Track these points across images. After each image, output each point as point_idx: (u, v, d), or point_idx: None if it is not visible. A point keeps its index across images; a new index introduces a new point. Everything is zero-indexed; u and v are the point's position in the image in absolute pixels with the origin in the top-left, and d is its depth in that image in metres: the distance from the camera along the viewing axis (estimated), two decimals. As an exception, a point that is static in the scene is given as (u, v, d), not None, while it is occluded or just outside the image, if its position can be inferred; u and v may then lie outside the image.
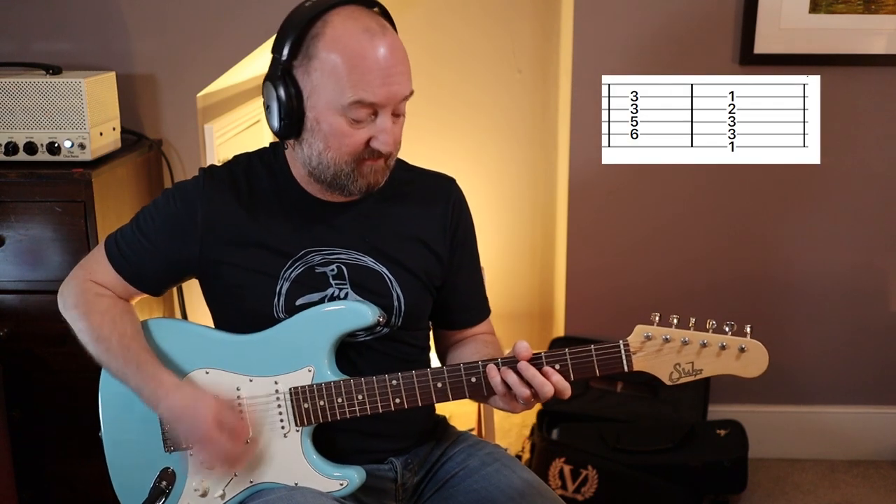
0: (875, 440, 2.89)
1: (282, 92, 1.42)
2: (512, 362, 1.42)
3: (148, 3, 2.38)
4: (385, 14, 1.47)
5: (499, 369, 1.42)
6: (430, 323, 1.69)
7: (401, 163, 1.62)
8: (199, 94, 2.43)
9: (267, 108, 1.46)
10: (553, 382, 1.40)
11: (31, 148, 2.07)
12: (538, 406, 2.78)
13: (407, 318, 1.56)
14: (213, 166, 1.58)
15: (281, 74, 1.42)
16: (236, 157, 1.60)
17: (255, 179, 1.55)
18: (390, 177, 1.52)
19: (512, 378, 1.40)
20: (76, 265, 1.61)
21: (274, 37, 1.45)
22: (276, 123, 1.45)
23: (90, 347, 1.53)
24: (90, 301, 1.54)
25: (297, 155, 1.49)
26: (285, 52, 1.42)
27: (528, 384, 1.40)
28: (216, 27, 2.39)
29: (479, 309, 1.70)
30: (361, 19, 1.41)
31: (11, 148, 2.08)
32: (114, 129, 2.24)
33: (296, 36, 1.41)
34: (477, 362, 1.44)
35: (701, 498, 2.56)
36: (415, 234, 1.58)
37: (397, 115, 1.45)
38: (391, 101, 1.42)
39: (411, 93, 1.45)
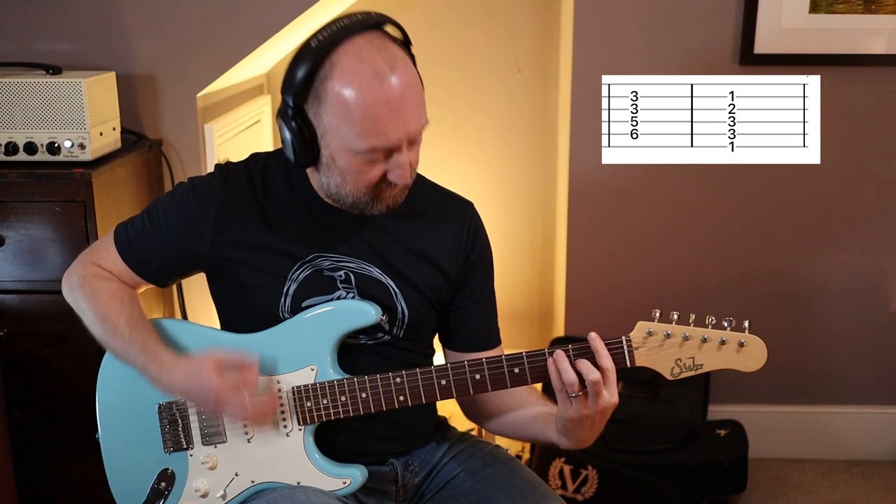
0: (875, 440, 2.89)
1: (295, 130, 1.41)
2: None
3: (148, 3, 2.38)
4: (394, 30, 1.43)
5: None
6: (441, 344, 1.68)
7: (421, 179, 1.61)
8: (199, 94, 2.43)
9: (283, 141, 1.45)
10: (603, 368, 1.39)
11: (31, 148, 2.07)
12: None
13: (408, 330, 1.56)
14: (229, 164, 1.58)
15: (293, 115, 1.41)
16: (253, 156, 1.59)
17: (271, 180, 1.54)
18: (409, 193, 1.52)
19: (564, 365, 1.40)
20: (83, 251, 1.61)
21: (283, 76, 1.43)
22: (292, 157, 1.45)
23: (95, 328, 1.52)
24: (97, 283, 1.54)
25: (315, 178, 1.50)
26: (295, 91, 1.40)
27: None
28: (216, 27, 2.39)
29: (486, 336, 1.66)
30: (370, 59, 1.37)
31: (11, 148, 2.07)
32: (114, 129, 2.23)
33: (304, 77, 1.38)
34: (481, 359, 1.44)
35: (701, 498, 2.56)
36: (425, 252, 1.57)
37: (413, 143, 1.44)
38: (405, 140, 1.41)
39: (426, 124, 1.44)
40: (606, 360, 1.39)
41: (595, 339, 1.40)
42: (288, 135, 1.43)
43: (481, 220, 1.65)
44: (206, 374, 1.41)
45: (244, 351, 1.46)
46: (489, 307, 1.67)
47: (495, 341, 1.67)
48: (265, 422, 1.48)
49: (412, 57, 1.45)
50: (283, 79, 1.42)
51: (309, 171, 1.52)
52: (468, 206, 1.64)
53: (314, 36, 1.40)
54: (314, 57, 1.38)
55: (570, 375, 1.38)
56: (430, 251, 1.57)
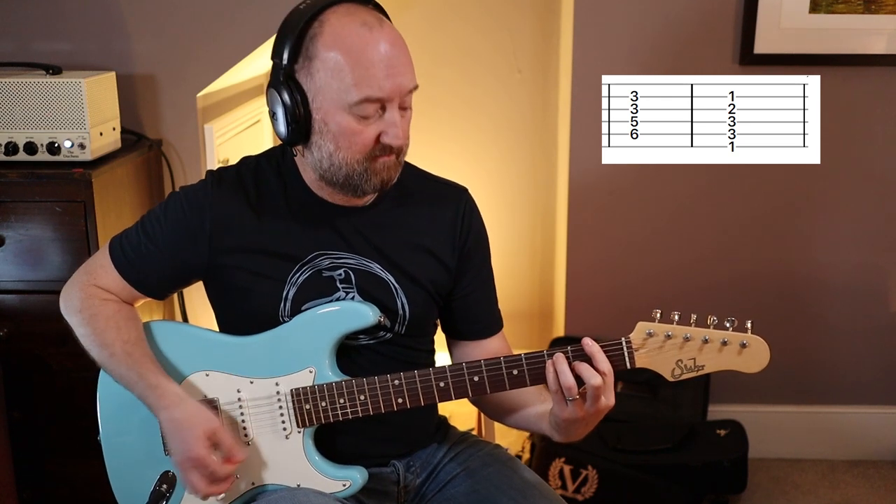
0: (875, 440, 2.89)
1: (286, 97, 1.40)
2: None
3: (148, 3, 2.38)
4: (379, 9, 1.45)
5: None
6: (444, 333, 1.68)
7: (413, 169, 1.61)
8: (199, 94, 2.43)
9: (273, 115, 1.44)
10: (600, 371, 1.38)
11: (31, 148, 2.07)
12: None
13: (410, 326, 1.55)
14: (221, 170, 1.57)
15: (283, 79, 1.41)
16: (244, 160, 1.58)
17: (264, 183, 1.54)
18: (402, 183, 1.51)
19: (562, 367, 1.39)
20: (79, 268, 1.60)
21: (273, 43, 1.43)
22: (283, 130, 1.43)
23: (93, 352, 1.52)
24: (95, 306, 1.53)
25: (308, 160, 1.48)
26: (285, 56, 1.40)
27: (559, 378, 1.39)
28: (216, 27, 2.39)
29: (486, 322, 1.66)
30: (358, 14, 1.40)
31: (11, 148, 2.07)
32: (114, 129, 2.23)
33: (294, 39, 1.40)
34: (479, 361, 1.44)
35: (701, 498, 2.56)
36: (423, 244, 1.56)
37: (404, 108, 1.43)
38: (398, 94, 1.40)
39: (416, 86, 1.44)
40: (604, 364, 1.38)
41: (590, 345, 1.38)
42: (279, 108, 1.42)
43: (476, 206, 1.64)
44: (197, 436, 1.41)
45: (241, 449, 1.46)
46: (489, 293, 1.67)
47: (497, 326, 1.67)
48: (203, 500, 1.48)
49: None
50: (273, 48, 1.43)
51: (299, 160, 1.51)
52: (462, 192, 1.63)
53: (299, 4, 1.42)
54: (302, 20, 1.39)
55: (569, 380, 1.38)
56: (427, 242, 1.57)
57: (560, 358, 1.39)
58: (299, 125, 1.42)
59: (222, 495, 1.49)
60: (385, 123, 1.41)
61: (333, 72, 1.38)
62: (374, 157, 1.43)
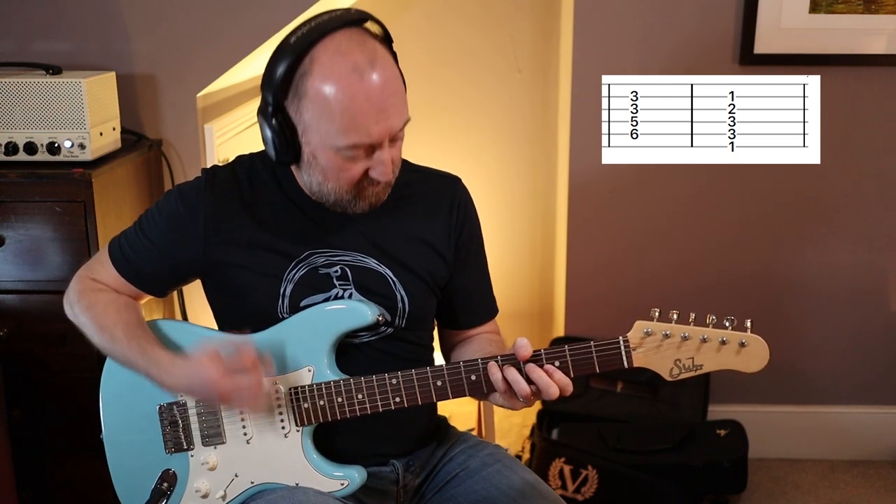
0: (875, 440, 2.89)
1: (277, 127, 1.41)
2: (512, 360, 1.41)
3: (148, 3, 2.38)
4: (377, 25, 1.43)
5: (500, 366, 1.41)
6: (437, 322, 1.69)
7: (406, 164, 1.61)
8: (199, 94, 2.43)
9: (264, 140, 1.45)
10: (555, 380, 1.39)
11: (31, 148, 2.07)
12: (538, 406, 2.79)
13: (410, 319, 1.55)
14: (215, 167, 1.58)
15: (273, 111, 1.41)
16: (239, 158, 1.59)
17: (258, 181, 1.54)
18: (396, 180, 1.51)
19: (513, 375, 1.39)
20: (80, 268, 1.61)
21: (263, 72, 1.42)
22: (273, 155, 1.45)
23: (95, 338, 1.53)
24: (93, 295, 1.55)
25: (299, 177, 1.50)
26: (276, 89, 1.39)
27: (529, 381, 1.40)
28: (216, 27, 2.39)
29: (484, 310, 1.68)
30: (349, 54, 1.36)
31: (11, 148, 2.08)
32: (114, 129, 2.23)
33: (284, 73, 1.38)
34: (477, 360, 1.43)
35: (701, 498, 2.56)
36: (419, 236, 1.57)
37: (394, 140, 1.43)
38: (387, 136, 1.40)
39: (408, 120, 1.43)
40: (553, 388, 1.38)
41: (533, 370, 1.39)
42: (269, 133, 1.42)
43: (469, 195, 1.65)
44: (203, 367, 1.40)
45: (236, 338, 1.45)
46: (483, 281, 1.68)
47: (492, 313, 1.69)
48: (259, 403, 1.46)
49: (394, 54, 1.44)
50: (263, 75, 1.42)
51: (293, 167, 1.52)
52: (456, 182, 1.64)
53: (293, 32, 1.40)
54: (293, 53, 1.38)
55: (524, 389, 1.39)
56: (424, 234, 1.57)
57: (510, 370, 1.40)
58: (289, 154, 1.44)
59: (222, 492, 1.50)
60: (373, 161, 1.42)
61: (322, 115, 1.38)
62: (362, 187, 1.45)
